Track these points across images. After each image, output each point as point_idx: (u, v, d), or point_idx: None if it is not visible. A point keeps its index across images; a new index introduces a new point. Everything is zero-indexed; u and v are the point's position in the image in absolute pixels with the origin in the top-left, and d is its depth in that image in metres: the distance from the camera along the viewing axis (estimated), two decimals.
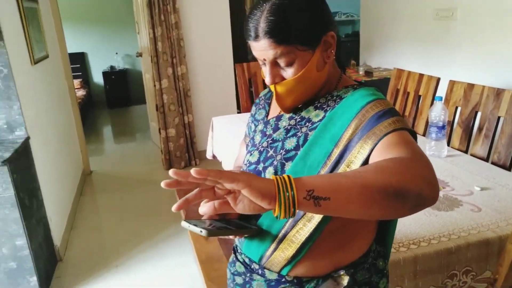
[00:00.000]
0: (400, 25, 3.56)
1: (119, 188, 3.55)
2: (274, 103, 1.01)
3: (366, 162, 0.76)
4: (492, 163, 1.83)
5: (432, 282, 1.22)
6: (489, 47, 2.69)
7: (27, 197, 2.08)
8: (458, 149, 1.99)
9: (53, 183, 2.61)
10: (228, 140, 2.40)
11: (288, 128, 0.90)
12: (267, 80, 0.85)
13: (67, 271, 2.40)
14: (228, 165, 2.37)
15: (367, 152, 0.76)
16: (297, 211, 0.60)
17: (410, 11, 3.40)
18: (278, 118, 0.95)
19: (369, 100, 0.81)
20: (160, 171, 3.88)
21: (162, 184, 0.61)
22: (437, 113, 1.79)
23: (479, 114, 1.94)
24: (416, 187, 0.63)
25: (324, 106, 0.88)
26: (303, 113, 0.90)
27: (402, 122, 0.78)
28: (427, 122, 2.15)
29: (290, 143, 0.88)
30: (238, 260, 0.95)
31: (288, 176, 0.61)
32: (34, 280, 2.06)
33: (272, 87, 0.87)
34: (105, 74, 6.53)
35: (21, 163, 2.07)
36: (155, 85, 3.65)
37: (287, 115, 0.93)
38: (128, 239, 2.71)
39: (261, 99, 1.07)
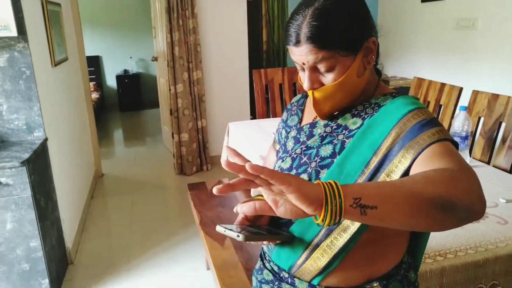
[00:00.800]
0: (419, 35, 3.53)
1: (130, 191, 3.54)
2: (307, 110, 0.99)
3: (407, 172, 0.74)
4: None
5: None
6: (509, 58, 2.65)
7: (43, 199, 2.07)
8: (480, 160, 1.95)
9: (66, 185, 2.61)
10: (243, 145, 2.38)
11: (324, 135, 0.88)
12: (306, 86, 0.84)
13: (78, 274, 2.39)
14: None
15: (409, 162, 0.74)
16: (342, 220, 0.58)
17: (430, 21, 3.38)
18: (313, 125, 0.92)
19: (411, 109, 0.79)
20: (171, 175, 3.88)
21: (214, 191, 0.58)
22: (461, 122, 1.76)
23: (503, 125, 1.91)
24: (465, 200, 0.61)
25: (362, 114, 0.86)
26: (339, 121, 0.88)
27: (445, 132, 0.76)
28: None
29: (326, 150, 0.86)
30: (266, 268, 0.93)
31: (335, 183, 0.59)
32: (46, 282, 2.05)
33: (309, 93, 0.86)
34: (118, 77, 6.58)
35: (39, 164, 2.08)
36: (170, 89, 3.65)
37: (322, 122, 0.91)
38: (139, 243, 2.70)
39: (293, 105, 1.05)
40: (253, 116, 3.86)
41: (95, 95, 5.92)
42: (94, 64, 6.56)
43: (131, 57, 6.70)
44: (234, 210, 0.65)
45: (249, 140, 2.37)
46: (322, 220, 0.58)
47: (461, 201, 0.60)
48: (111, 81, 6.84)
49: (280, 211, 0.61)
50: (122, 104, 6.71)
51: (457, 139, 1.79)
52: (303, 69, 0.83)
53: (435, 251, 1.22)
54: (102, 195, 3.52)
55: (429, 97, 2.39)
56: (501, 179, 1.70)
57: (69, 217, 2.57)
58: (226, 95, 3.91)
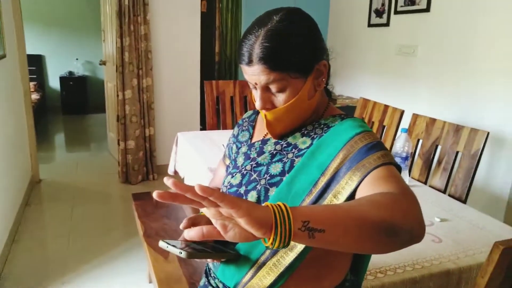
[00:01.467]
0: (365, 57, 3.70)
1: (70, 199, 3.36)
2: (258, 126, 1.00)
3: (353, 193, 0.76)
4: (449, 195, 1.91)
5: None
6: (447, 83, 2.85)
7: None
8: (418, 180, 2.07)
9: None
10: (192, 156, 2.35)
11: (274, 153, 0.89)
12: (257, 105, 0.84)
13: None
14: (189, 181, 2.31)
15: (355, 184, 0.76)
16: (290, 242, 0.59)
17: (376, 44, 3.55)
18: (264, 142, 0.93)
19: (358, 132, 0.82)
20: (115, 183, 3.73)
21: (155, 195, 0.56)
22: (402, 144, 1.86)
23: (439, 148, 2.04)
24: (407, 225, 0.64)
25: (312, 134, 0.88)
26: (289, 139, 0.90)
27: (389, 156, 0.79)
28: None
29: (276, 168, 0.87)
30: (211, 285, 0.92)
31: (285, 205, 0.59)
32: None
33: (261, 113, 0.87)
34: (62, 79, 6.27)
35: None
36: (118, 95, 3.54)
37: (273, 140, 0.92)
38: (78, 255, 2.56)
39: (244, 120, 1.05)
40: (203, 126, 3.83)
41: (35, 96, 5.60)
42: (36, 63, 6.21)
43: (77, 59, 6.43)
44: (181, 227, 0.63)
45: (198, 151, 2.34)
46: (271, 243, 0.58)
47: (404, 226, 0.63)
48: (54, 82, 6.51)
49: (229, 236, 0.60)
50: (66, 106, 6.40)
51: (398, 159, 1.89)
52: (256, 88, 0.84)
53: (376, 268, 1.26)
54: (39, 202, 3.31)
55: (373, 118, 2.50)
56: (437, 199, 1.81)
57: None
58: (176, 104, 3.86)
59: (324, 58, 0.85)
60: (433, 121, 2.08)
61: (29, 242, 2.69)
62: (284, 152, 0.88)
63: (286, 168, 0.86)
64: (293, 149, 0.88)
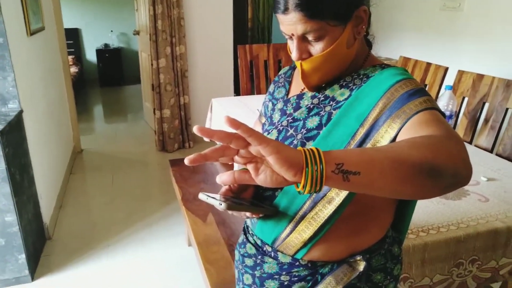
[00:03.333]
0: (405, 15, 3.51)
1: (110, 167, 3.48)
2: (295, 81, 0.96)
3: (394, 141, 0.72)
4: (497, 154, 1.81)
5: (438, 270, 1.20)
6: (495, 39, 2.66)
7: (18, 172, 2.00)
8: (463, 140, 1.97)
9: (43, 160, 2.53)
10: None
11: (311, 107, 0.85)
12: (294, 56, 0.80)
13: (56, 250, 2.35)
14: None
15: (396, 131, 0.72)
16: (323, 186, 0.56)
17: (417, 1, 3.35)
18: (300, 96, 0.89)
19: (398, 79, 0.77)
20: (152, 152, 3.82)
21: (186, 161, 0.55)
22: (446, 102, 1.76)
23: (486, 105, 1.92)
24: (452, 165, 0.59)
25: (350, 85, 0.83)
26: (327, 92, 0.85)
27: (433, 102, 0.74)
28: None
29: (312, 122, 0.83)
30: (249, 242, 0.91)
31: (317, 148, 0.56)
32: (22, 257, 2.01)
33: (297, 64, 0.82)
34: (98, 51, 6.38)
35: (14, 136, 2.00)
36: (152, 64, 3.56)
37: (309, 94, 0.88)
38: (120, 220, 2.66)
39: (280, 77, 1.01)
40: (237, 93, 3.81)
41: (74, 69, 5.74)
42: (73, 37, 6.34)
43: (112, 31, 6.50)
44: (217, 180, 0.61)
45: (233, 117, 2.32)
46: (303, 186, 0.55)
47: (447, 166, 0.58)
48: (91, 55, 6.64)
49: (260, 178, 0.57)
50: (103, 79, 6.54)
51: None
52: (292, 39, 0.80)
53: (418, 227, 1.22)
54: (81, 171, 3.45)
55: (415, 77, 2.38)
56: (483, 159, 1.72)
57: (47, 192, 2.51)
58: (210, 71, 3.84)
59: (363, 4, 0.79)
60: (480, 77, 1.95)
61: (75, 208, 2.82)
62: (322, 105, 0.84)
63: (324, 121, 0.82)
64: (331, 102, 0.84)
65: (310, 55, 0.80)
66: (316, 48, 0.79)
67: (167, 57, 3.54)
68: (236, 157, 0.59)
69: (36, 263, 2.18)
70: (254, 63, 2.87)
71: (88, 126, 4.76)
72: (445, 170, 0.58)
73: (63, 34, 3.52)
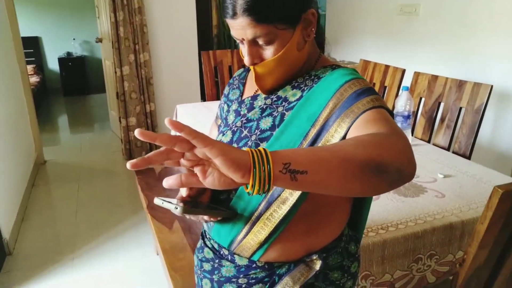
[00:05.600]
0: (366, 20, 3.60)
1: (76, 178, 3.38)
2: (249, 83, 0.97)
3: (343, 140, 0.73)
4: (453, 152, 1.88)
5: (398, 266, 1.23)
6: (450, 42, 2.77)
7: None
8: (421, 139, 2.03)
9: (1, 173, 2.43)
10: (192, 127, 2.33)
11: (264, 107, 0.86)
12: (246, 61, 0.81)
13: (17, 265, 2.25)
14: None
15: (345, 130, 0.74)
16: (272, 186, 0.56)
17: (376, 6, 3.45)
18: (254, 97, 0.90)
19: (348, 79, 0.79)
20: (119, 161, 3.74)
21: (128, 165, 0.54)
22: (403, 102, 1.81)
23: (442, 105, 1.99)
24: (396, 161, 0.60)
25: (302, 86, 0.85)
26: (279, 93, 0.87)
27: (380, 100, 0.76)
28: (392, 113, 2.18)
29: (266, 123, 0.84)
30: (207, 246, 0.90)
31: (264, 149, 0.56)
32: None
33: (251, 68, 0.83)
34: (61, 60, 6.22)
35: None
36: (115, 72, 3.50)
37: (263, 95, 0.89)
38: (85, 231, 2.59)
39: (235, 79, 1.02)
40: (204, 99, 3.79)
41: (35, 79, 5.57)
42: (33, 45, 6.15)
43: (74, 39, 6.35)
44: (163, 184, 0.60)
45: (198, 122, 2.32)
46: (252, 187, 0.55)
47: (391, 163, 0.60)
48: (53, 64, 6.46)
49: (208, 181, 0.57)
50: (66, 88, 6.37)
51: (399, 119, 1.85)
52: (243, 43, 0.81)
53: (378, 224, 1.25)
54: (45, 182, 3.34)
55: (374, 79, 2.45)
56: (440, 156, 1.78)
57: (5, 205, 2.41)
58: (176, 78, 3.81)
59: (311, 7, 0.81)
60: (435, 78, 2.03)
61: (38, 221, 2.72)
62: (274, 106, 0.85)
63: (277, 122, 0.83)
64: (283, 102, 0.85)
65: (262, 59, 0.81)
66: (268, 52, 0.80)
67: (131, 65, 3.49)
68: (182, 160, 0.58)
69: None
70: (219, 68, 2.87)
71: (52, 136, 4.62)
72: (389, 167, 0.60)
73: (20, 42, 3.40)
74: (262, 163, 0.54)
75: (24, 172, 3.07)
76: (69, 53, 6.32)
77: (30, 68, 5.77)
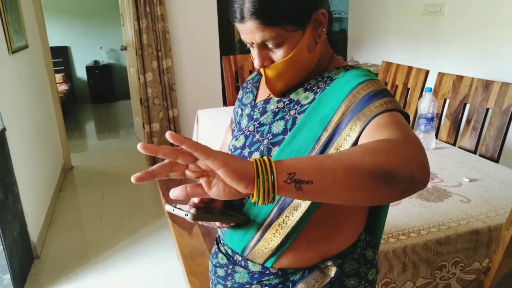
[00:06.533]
0: (389, 21, 3.54)
1: (101, 184, 3.46)
2: (262, 87, 0.96)
3: (355, 144, 0.71)
4: (480, 155, 1.81)
5: (421, 273, 1.19)
6: (475, 42, 2.68)
7: (1, 191, 1.98)
8: (446, 142, 1.97)
9: (29, 178, 2.51)
10: (213, 133, 2.34)
11: (276, 111, 0.85)
12: (256, 64, 0.80)
13: (45, 269, 2.31)
14: None
15: (357, 134, 0.71)
16: (276, 196, 0.55)
17: (399, 7, 3.39)
18: (266, 101, 0.89)
19: (361, 81, 0.77)
20: (143, 166, 3.80)
21: (132, 179, 0.54)
22: (427, 104, 1.76)
23: (467, 106, 1.92)
24: (407, 169, 0.58)
25: (314, 88, 0.83)
26: (292, 96, 0.85)
27: (394, 103, 0.73)
28: (415, 115, 2.13)
29: (278, 126, 0.82)
30: (221, 252, 0.90)
31: (269, 158, 0.55)
32: (7, 278, 1.97)
33: (261, 71, 0.82)
34: (88, 68, 6.39)
35: None
36: (139, 79, 3.56)
37: (276, 98, 0.88)
38: (110, 236, 2.63)
39: (248, 82, 1.01)
40: (226, 104, 3.81)
41: (64, 87, 5.74)
42: (62, 54, 6.35)
43: (101, 47, 6.52)
44: (170, 194, 0.59)
45: (219, 127, 2.32)
46: (256, 197, 0.54)
47: (402, 171, 0.57)
48: (81, 73, 6.65)
49: (214, 192, 0.56)
50: (93, 96, 6.54)
51: (422, 121, 1.80)
52: (253, 47, 0.80)
53: (399, 230, 1.21)
54: (72, 188, 3.42)
55: (397, 81, 2.40)
56: (466, 160, 1.72)
57: (34, 210, 2.48)
58: (198, 83, 3.84)
59: (321, 6, 0.79)
60: (460, 78, 1.96)
61: (64, 226, 2.79)
62: (287, 109, 0.84)
63: (289, 126, 0.81)
64: (296, 106, 0.83)
65: (272, 61, 0.80)
66: (278, 55, 0.79)
67: (154, 71, 3.55)
68: (187, 172, 0.58)
69: (23, 283, 2.15)
70: (239, 73, 2.88)
71: (79, 143, 4.74)
72: (400, 175, 0.57)
73: (49, 51, 3.52)
74: (266, 173, 0.54)
75: (52, 178, 3.16)
76: (96, 61, 6.49)
77: (59, 76, 5.96)
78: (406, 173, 0.57)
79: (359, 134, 0.71)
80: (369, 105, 0.72)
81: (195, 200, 0.82)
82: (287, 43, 0.77)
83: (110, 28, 6.41)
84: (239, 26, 0.77)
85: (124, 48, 4.34)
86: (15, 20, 2.56)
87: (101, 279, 2.21)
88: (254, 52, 0.80)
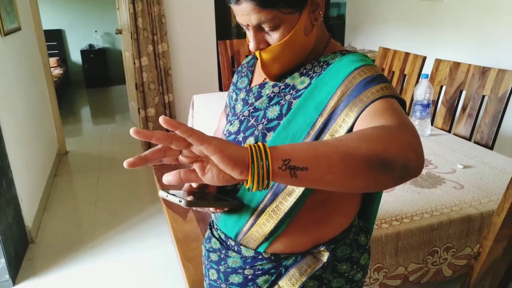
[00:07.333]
0: (387, 7, 3.51)
1: (96, 169, 3.45)
2: (257, 71, 0.94)
3: (351, 131, 0.71)
4: (475, 142, 1.81)
5: (413, 259, 1.20)
6: (473, 28, 2.67)
7: None
8: (441, 129, 1.97)
9: (24, 162, 2.50)
10: (208, 118, 2.33)
11: (271, 96, 0.84)
12: (251, 46, 0.79)
13: (40, 253, 2.32)
14: None
15: (352, 120, 0.71)
16: (271, 182, 0.54)
17: None
18: (262, 85, 0.88)
19: (357, 66, 0.75)
20: (138, 152, 3.78)
21: (125, 164, 0.53)
22: (423, 91, 1.76)
23: (463, 93, 1.92)
24: (402, 157, 0.57)
25: (310, 73, 0.82)
26: (287, 80, 0.84)
27: (390, 89, 0.73)
28: (411, 101, 2.12)
29: (273, 111, 0.82)
30: (214, 236, 0.90)
31: (263, 144, 0.55)
32: (2, 262, 1.98)
33: (257, 54, 0.81)
34: (83, 52, 6.32)
35: None
36: (134, 63, 3.53)
37: (271, 83, 0.86)
38: (105, 221, 2.64)
39: (243, 66, 1.00)
40: (222, 89, 3.79)
41: (58, 71, 5.68)
42: (57, 38, 6.27)
43: (96, 31, 6.44)
44: (163, 180, 0.59)
45: (214, 112, 2.31)
46: (251, 183, 0.53)
47: (397, 158, 0.57)
48: (75, 57, 6.57)
49: (207, 177, 0.56)
50: (88, 80, 6.48)
51: (418, 108, 1.79)
52: (248, 29, 0.78)
53: (392, 216, 1.22)
54: (67, 172, 3.41)
55: (394, 67, 2.38)
56: (460, 146, 1.72)
57: (28, 195, 2.48)
58: (194, 68, 3.81)
59: None
60: (457, 65, 1.95)
61: (59, 210, 2.79)
62: (282, 94, 0.83)
63: (284, 111, 0.80)
64: (291, 90, 0.82)
65: (268, 44, 0.79)
66: (274, 38, 0.77)
67: (149, 56, 3.51)
68: (181, 157, 0.58)
69: (18, 267, 2.15)
70: (236, 58, 2.85)
71: (74, 127, 4.72)
72: (395, 162, 0.57)
73: (42, 35, 3.47)
74: (260, 159, 0.53)
75: (47, 163, 3.14)
76: (91, 45, 6.41)
77: (53, 60, 5.89)
78: (401, 160, 0.57)
79: (355, 120, 0.70)
80: (365, 91, 0.71)
81: (189, 185, 0.82)
82: (283, 25, 0.75)
83: (105, 11, 6.32)
84: (234, 7, 0.76)
85: (119, 32, 4.29)
86: (7, 1, 2.51)
87: (96, 264, 2.22)
88: (249, 35, 0.79)
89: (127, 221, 2.61)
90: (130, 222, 2.60)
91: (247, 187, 0.55)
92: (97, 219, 2.67)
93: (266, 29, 0.76)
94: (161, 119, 0.51)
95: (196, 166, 0.56)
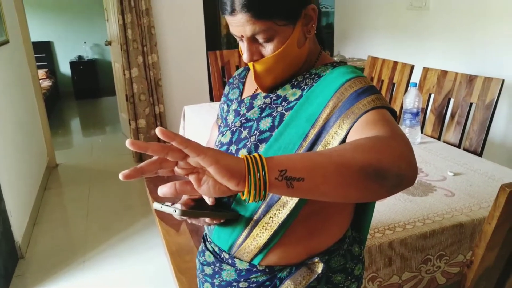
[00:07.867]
0: (374, 16, 3.56)
1: (87, 181, 3.41)
2: (248, 82, 0.95)
3: (343, 142, 0.71)
4: (464, 149, 1.83)
5: (407, 267, 1.20)
6: (461, 36, 2.71)
7: None
8: (431, 136, 1.99)
9: (13, 176, 2.47)
10: (200, 129, 2.33)
11: (263, 107, 0.85)
12: (245, 57, 0.79)
13: (30, 269, 2.28)
14: None
15: (345, 132, 0.71)
16: (268, 194, 0.54)
17: (384, 2, 3.40)
18: (253, 96, 0.89)
19: (348, 78, 0.77)
20: (130, 163, 3.76)
21: (120, 176, 0.53)
22: (412, 99, 1.78)
23: (452, 101, 1.94)
24: (395, 166, 0.58)
25: (302, 85, 0.83)
26: (279, 91, 0.85)
27: (381, 100, 0.74)
28: (401, 110, 2.14)
29: (265, 123, 0.82)
30: (208, 249, 0.89)
31: (260, 155, 0.55)
32: None
33: (250, 65, 0.82)
34: (72, 64, 6.29)
35: None
36: (124, 74, 3.52)
37: (263, 94, 0.87)
38: (96, 234, 2.60)
39: (235, 78, 1.00)
40: (213, 100, 3.79)
41: (47, 83, 5.64)
42: (45, 50, 6.23)
43: (85, 43, 6.42)
44: (158, 192, 0.58)
45: (206, 123, 2.31)
46: (247, 195, 0.53)
47: (391, 168, 0.57)
48: (65, 68, 6.54)
49: (203, 189, 0.56)
50: (78, 91, 6.44)
51: (408, 116, 1.81)
52: (242, 40, 0.79)
53: (384, 225, 1.22)
54: (57, 186, 3.38)
55: (383, 76, 2.41)
56: (450, 154, 1.74)
57: (18, 209, 2.44)
58: (184, 79, 3.81)
59: (312, 2, 0.79)
60: (444, 73, 1.98)
61: (50, 224, 2.75)
62: (274, 106, 0.84)
63: (276, 123, 0.81)
64: (283, 102, 0.83)
65: (262, 56, 0.80)
66: (267, 49, 0.78)
67: (139, 67, 3.51)
68: (176, 169, 0.57)
69: (7, 284, 2.11)
70: (226, 68, 2.86)
71: (64, 140, 4.67)
72: (389, 172, 0.58)
73: (31, 47, 3.45)
74: (257, 170, 0.53)
75: (37, 176, 3.11)
76: (80, 57, 6.38)
77: (42, 72, 5.85)
78: (395, 170, 0.58)
79: (347, 132, 0.71)
80: (357, 102, 0.72)
81: (185, 198, 0.82)
82: (277, 37, 0.76)
83: (94, 23, 6.31)
84: (229, 18, 0.76)
85: (109, 43, 4.28)
86: None
87: (88, 278, 2.19)
88: (243, 46, 0.80)
89: (119, 234, 2.58)
90: (122, 235, 2.58)
91: (243, 198, 0.55)
92: (88, 232, 2.64)
93: (260, 40, 0.77)
94: (158, 130, 0.51)
95: (192, 178, 0.56)
